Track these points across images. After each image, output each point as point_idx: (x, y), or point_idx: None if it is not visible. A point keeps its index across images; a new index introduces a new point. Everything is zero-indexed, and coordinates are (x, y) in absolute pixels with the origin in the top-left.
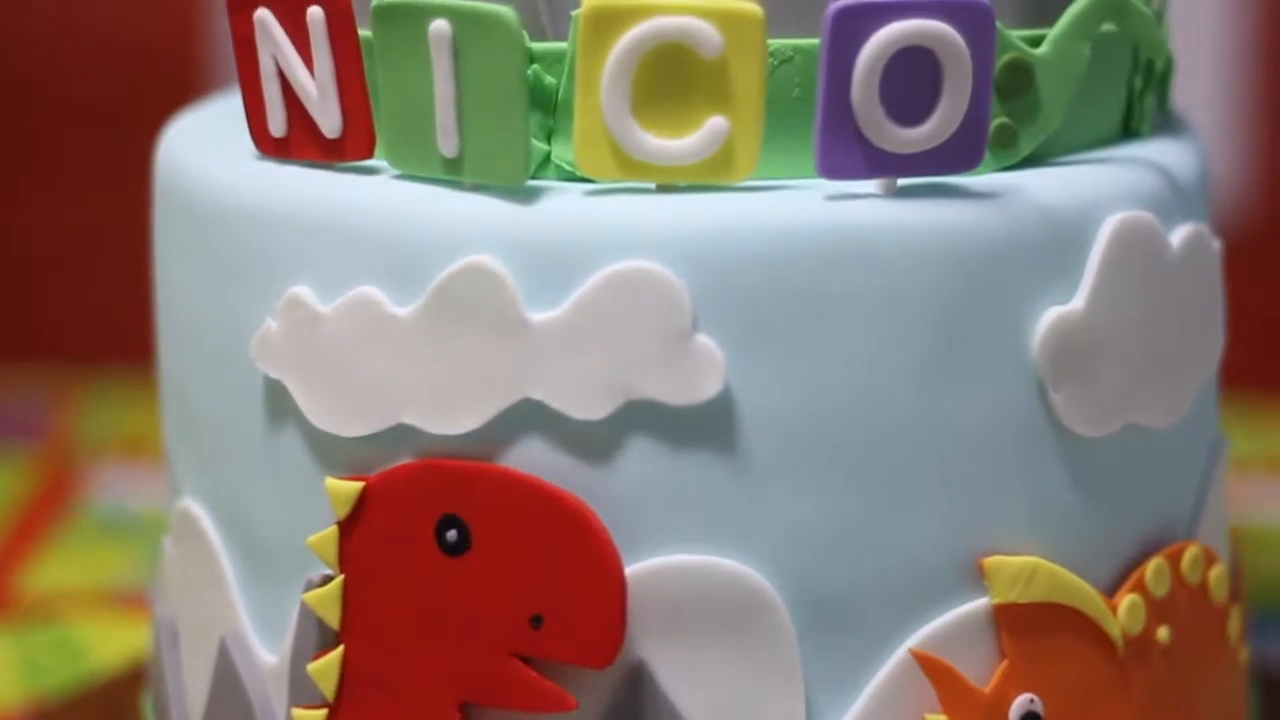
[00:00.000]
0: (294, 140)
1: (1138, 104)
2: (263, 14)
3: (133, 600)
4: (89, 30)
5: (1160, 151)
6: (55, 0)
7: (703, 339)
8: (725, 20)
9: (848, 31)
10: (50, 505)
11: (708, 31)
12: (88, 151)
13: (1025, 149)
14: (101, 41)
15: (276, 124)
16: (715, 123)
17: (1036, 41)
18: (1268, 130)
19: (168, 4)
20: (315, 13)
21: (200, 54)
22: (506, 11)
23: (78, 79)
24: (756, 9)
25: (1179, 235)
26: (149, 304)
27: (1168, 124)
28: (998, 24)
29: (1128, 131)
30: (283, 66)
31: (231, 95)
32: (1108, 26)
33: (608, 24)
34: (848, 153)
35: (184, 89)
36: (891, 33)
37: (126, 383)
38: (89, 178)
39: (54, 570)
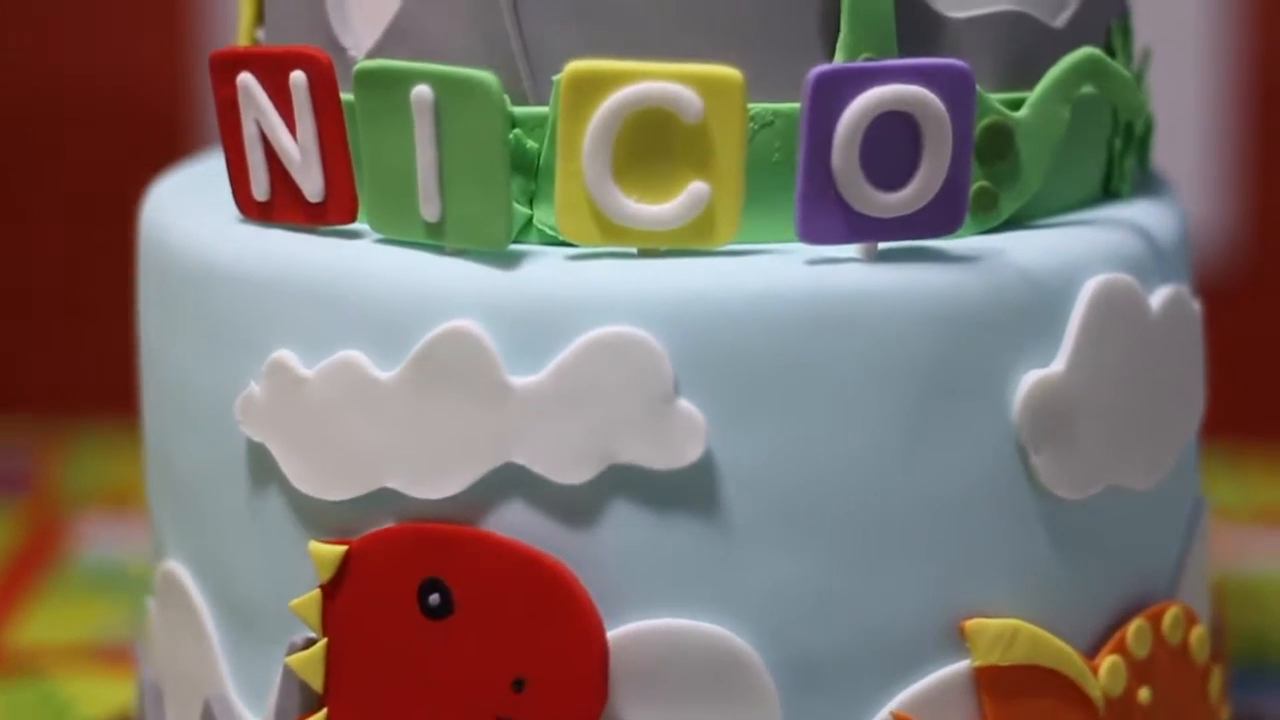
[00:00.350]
0: (277, 204)
1: (1118, 165)
2: (246, 78)
3: (118, 655)
4: (71, 82)
5: (1140, 213)
6: (37, 53)
7: (684, 404)
8: (706, 85)
9: (828, 97)
10: (35, 559)
11: (689, 97)
12: (70, 202)
13: (1006, 212)
14: (85, 93)
15: (259, 187)
16: (696, 188)
17: (1016, 104)
18: (1249, 176)
19: (154, 58)
20: (298, 77)
21: (185, 107)
22: (488, 77)
23: (60, 131)
24: (737, 74)
25: (1159, 297)
26: (132, 355)
27: (1148, 184)
28: (977, 88)
29: (1108, 192)
30: (265, 130)
31: (214, 155)
32: (1087, 89)
33: (589, 89)
34: (828, 218)
35: (169, 141)
36: (872, 98)
37: (111, 434)
38: (71, 228)
39: (38, 625)
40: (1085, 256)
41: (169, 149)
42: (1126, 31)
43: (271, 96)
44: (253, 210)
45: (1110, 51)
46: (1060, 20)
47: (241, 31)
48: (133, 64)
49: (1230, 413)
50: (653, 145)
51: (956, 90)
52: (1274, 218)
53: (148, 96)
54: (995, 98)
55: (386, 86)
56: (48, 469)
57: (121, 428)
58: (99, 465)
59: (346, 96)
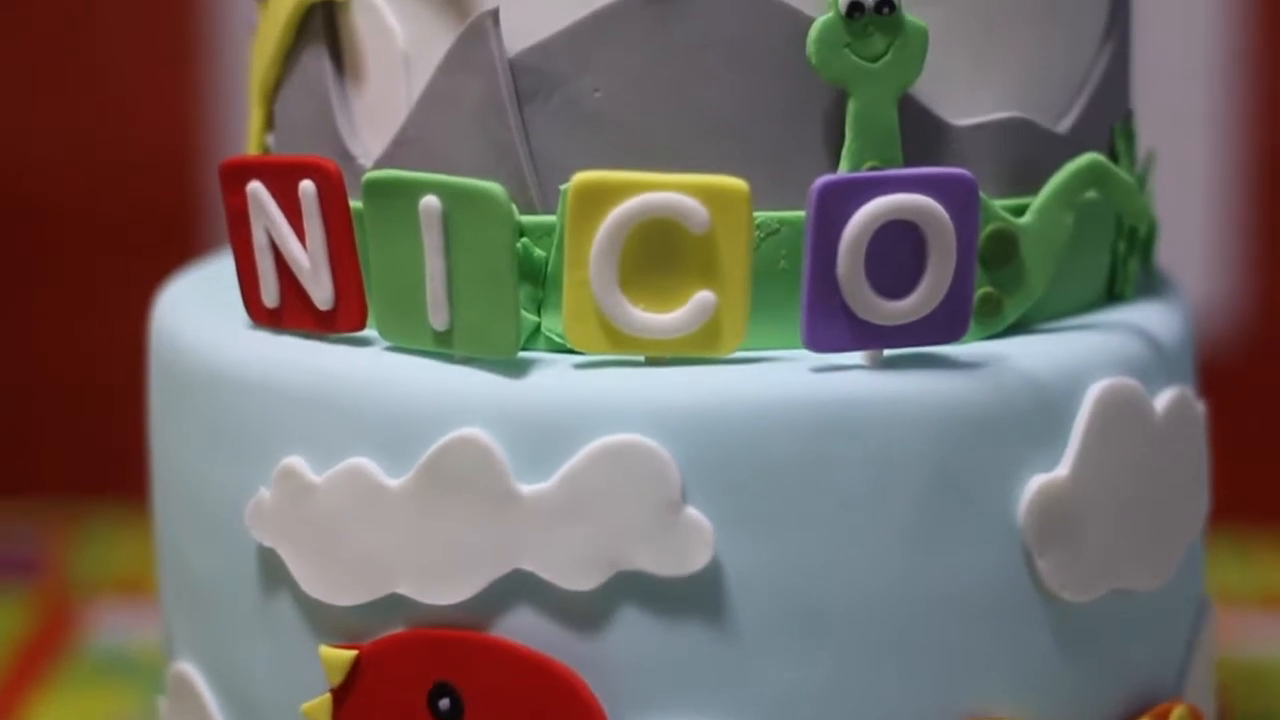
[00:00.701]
0: (287, 311)
1: (1121, 268)
2: (255, 187)
3: None
4: (85, 162)
5: (1144, 315)
6: (48, 139)
7: (691, 511)
8: (712, 196)
9: (833, 206)
10: (46, 645)
11: (694, 208)
12: (81, 284)
13: (1010, 317)
14: (98, 174)
15: (269, 295)
16: (702, 297)
17: (1020, 210)
18: (1255, 256)
19: (166, 144)
20: (307, 187)
21: (195, 195)
22: (496, 188)
23: (73, 212)
24: (743, 185)
25: (1163, 400)
26: (144, 439)
27: (1152, 285)
28: (981, 195)
29: (1112, 295)
30: (275, 238)
31: (225, 255)
32: (1091, 194)
33: (595, 199)
34: (834, 326)
35: (182, 225)
36: (876, 207)
37: (122, 518)
38: (83, 311)
39: (50, 713)
40: (1089, 361)
41: (180, 234)
42: (1130, 134)
43: (281, 205)
44: (263, 317)
45: (1114, 155)
46: (1063, 125)
47: (251, 137)
48: (144, 150)
49: (1235, 496)
50: (659, 254)
51: (961, 199)
52: None
53: (160, 182)
54: (999, 203)
55: (395, 196)
56: (58, 554)
57: (132, 512)
58: (110, 550)
59: (355, 204)
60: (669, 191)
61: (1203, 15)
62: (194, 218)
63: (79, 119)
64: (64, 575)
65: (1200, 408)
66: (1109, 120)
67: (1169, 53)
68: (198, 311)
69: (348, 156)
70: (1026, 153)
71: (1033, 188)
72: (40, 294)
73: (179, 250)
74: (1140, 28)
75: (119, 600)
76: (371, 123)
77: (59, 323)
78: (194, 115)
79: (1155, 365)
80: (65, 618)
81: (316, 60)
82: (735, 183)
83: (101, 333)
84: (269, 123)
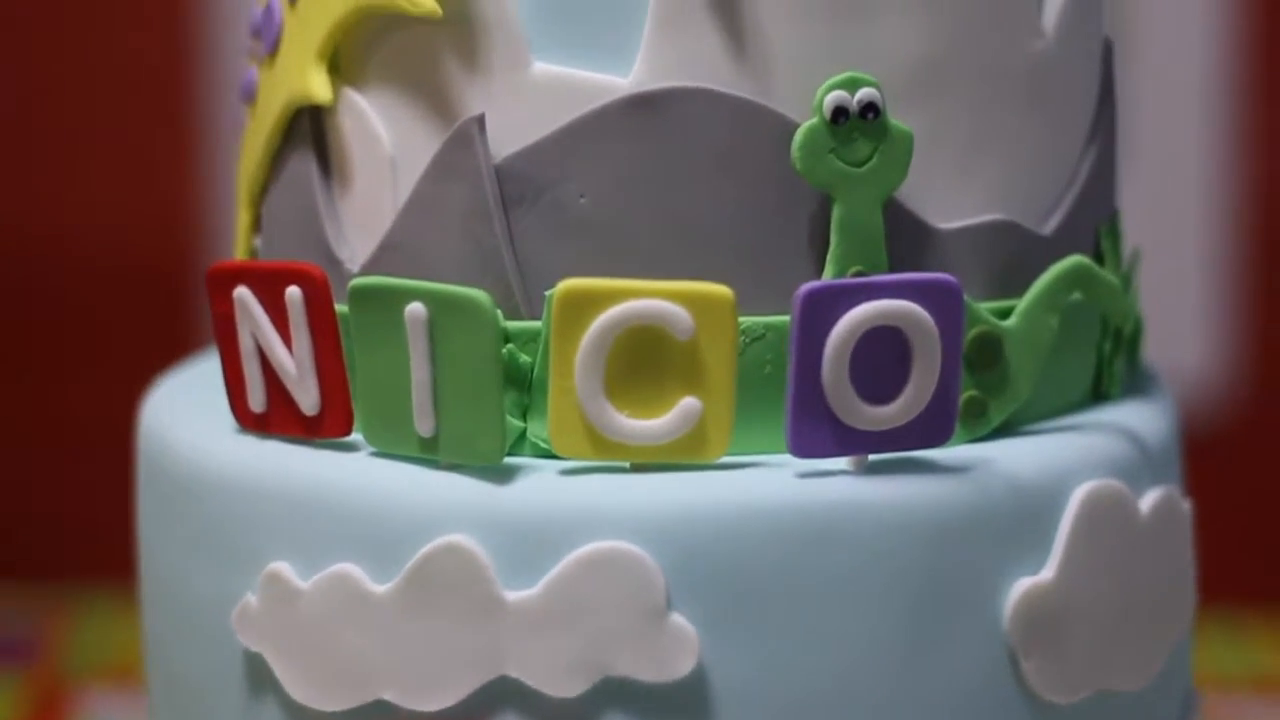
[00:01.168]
0: (273, 416)
1: (1107, 368)
2: (242, 292)
3: None
4: (80, 239)
5: (1130, 415)
6: (45, 204)
7: (676, 617)
8: (696, 303)
9: (818, 313)
10: None
11: (679, 315)
12: (78, 365)
13: (995, 420)
14: (94, 251)
15: (256, 399)
16: (687, 404)
17: (1005, 312)
18: (1244, 327)
19: (164, 211)
20: (293, 293)
21: (193, 265)
22: (481, 296)
23: (69, 292)
24: (727, 293)
25: (1149, 500)
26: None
27: (1138, 383)
28: (966, 298)
29: (1098, 394)
30: (262, 344)
31: (212, 355)
32: (1076, 296)
33: (580, 307)
34: (818, 432)
35: (177, 307)
36: (861, 313)
37: (116, 602)
38: (79, 392)
39: None
40: (1074, 463)
41: (176, 316)
42: (1115, 234)
43: (268, 310)
44: (249, 421)
45: (1099, 255)
46: (1048, 227)
47: (238, 238)
48: (136, 229)
49: (1228, 575)
50: (644, 361)
51: (945, 304)
52: (1275, 372)
53: (156, 264)
54: (984, 306)
55: (380, 303)
56: (52, 639)
57: (127, 597)
58: (104, 635)
59: (342, 308)
60: (654, 299)
61: (1200, 90)
62: (188, 301)
63: (75, 198)
64: (57, 661)
65: (1186, 507)
66: (1095, 221)
67: (1168, 124)
68: (185, 414)
69: (334, 260)
70: (1011, 255)
71: (1018, 290)
72: (36, 374)
73: (174, 334)
74: (1140, 97)
75: (112, 687)
76: (358, 227)
77: (54, 404)
78: (190, 192)
79: (1141, 466)
80: (58, 704)
81: (303, 163)
82: (720, 290)
83: (97, 414)
84: (256, 224)
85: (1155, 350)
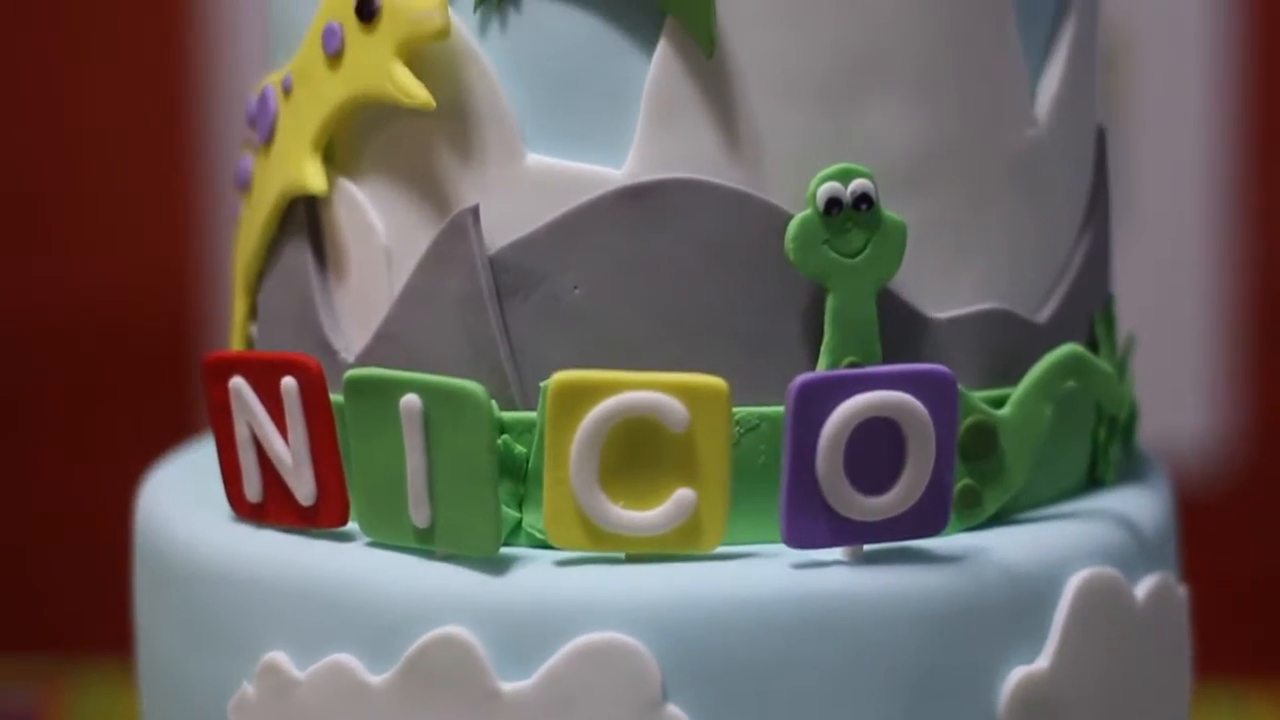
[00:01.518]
0: (269, 505)
1: (1102, 454)
2: (238, 382)
3: None
4: (75, 317)
5: (1125, 501)
6: (45, 282)
7: (672, 709)
8: (691, 395)
9: (812, 405)
10: None
11: (674, 407)
12: (80, 438)
13: (990, 509)
14: (96, 328)
15: (252, 489)
16: (682, 495)
17: (1000, 402)
18: (1244, 393)
19: (159, 286)
20: (289, 383)
21: (193, 345)
22: (476, 388)
23: (70, 365)
24: (722, 385)
25: (1144, 587)
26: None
27: (1133, 468)
28: (960, 387)
29: (1093, 480)
30: (258, 434)
31: (209, 441)
32: (1070, 384)
33: (575, 398)
34: (813, 523)
35: (171, 374)
36: (855, 405)
37: (117, 674)
38: (75, 463)
39: None
40: (1069, 551)
41: (172, 379)
42: (1110, 320)
43: (263, 401)
44: (246, 510)
45: (1094, 342)
46: (1043, 315)
47: (234, 327)
48: (138, 287)
49: (1227, 645)
50: (639, 453)
51: (940, 395)
52: (1275, 438)
53: (153, 325)
54: (978, 395)
55: (376, 395)
56: (52, 712)
57: (126, 670)
58: (104, 708)
59: (337, 397)
60: (649, 391)
61: (1201, 162)
62: (188, 381)
63: (74, 275)
64: None
65: (1183, 592)
66: (1089, 307)
67: (1167, 191)
68: (181, 501)
69: (329, 350)
70: (1006, 344)
71: (1012, 378)
72: (38, 448)
73: (174, 408)
74: (1141, 164)
75: None
76: (354, 317)
77: (57, 477)
78: (189, 272)
79: (1136, 553)
80: None
81: (298, 253)
82: (714, 382)
83: (101, 487)
84: (253, 312)
85: (1154, 415)
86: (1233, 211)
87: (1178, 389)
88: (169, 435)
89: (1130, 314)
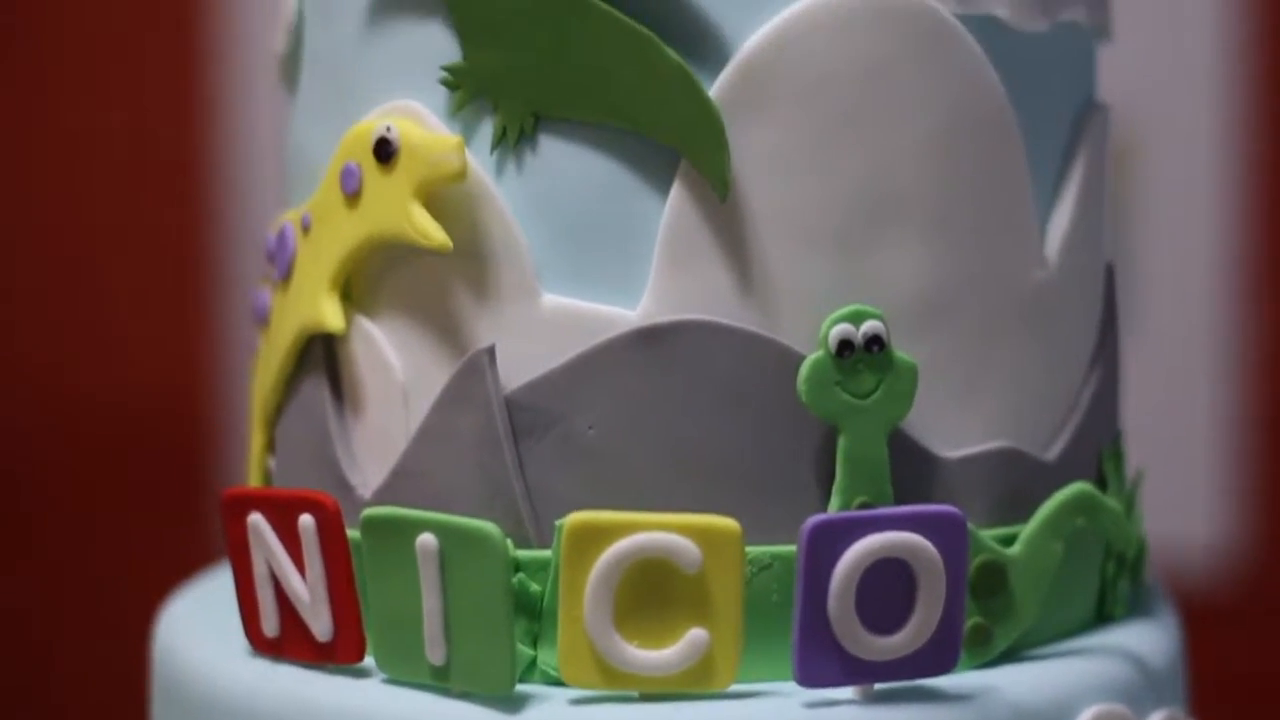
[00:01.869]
0: (286, 641)
1: (1111, 590)
2: (256, 519)
3: None
4: (88, 414)
5: (1133, 637)
6: (59, 396)
7: None
8: (704, 536)
9: (824, 546)
10: None
11: (687, 548)
12: (82, 545)
13: (1000, 646)
14: (101, 426)
15: (269, 624)
16: (695, 634)
17: (1009, 540)
18: (1252, 501)
19: (171, 397)
20: (306, 521)
21: (203, 439)
22: (491, 529)
23: (82, 486)
24: (734, 526)
25: None
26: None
27: (1142, 602)
28: (970, 526)
29: (1102, 614)
30: (275, 570)
31: (226, 571)
32: (1079, 523)
33: (590, 539)
34: (825, 662)
35: (187, 479)
36: (866, 546)
37: None
38: (86, 574)
39: None
40: (1078, 688)
41: (188, 484)
42: (1118, 455)
43: (281, 537)
44: (263, 645)
45: (1102, 479)
46: (1052, 454)
47: (252, 460)
48: (151, 387)
49: None
50: (653, 593)
51: (950, 535)
52: None
53: (167, 421)
54: (988, 534)
55: (392, 534)
56: None
57: None
58: None
59: (354, 533)
60: (662, 532)
61: (1209, 268)
62: (200, 488)
63: (87, 373)
64: None
65: None
66: (1098, 444)
67: (1177, 298)
68: (199, 633)
69: (346, 486)
70: (1015, 482)
71: (1022, 515)
72: (52, 565)
73: (191, 542)
74: (1150, 272)
75: None
76: (370, 453)
77: (70, 597)
78: (201, 364)
79: (1144, 688)
80: None
81: (316, 389)
82: (727, 523)
83: (113, 608)
84: (270, 445)
85: (1162, 523)
86: (1241, 316)
87: (1186, 497)
88: (186, 558)
89: (1139, 421)
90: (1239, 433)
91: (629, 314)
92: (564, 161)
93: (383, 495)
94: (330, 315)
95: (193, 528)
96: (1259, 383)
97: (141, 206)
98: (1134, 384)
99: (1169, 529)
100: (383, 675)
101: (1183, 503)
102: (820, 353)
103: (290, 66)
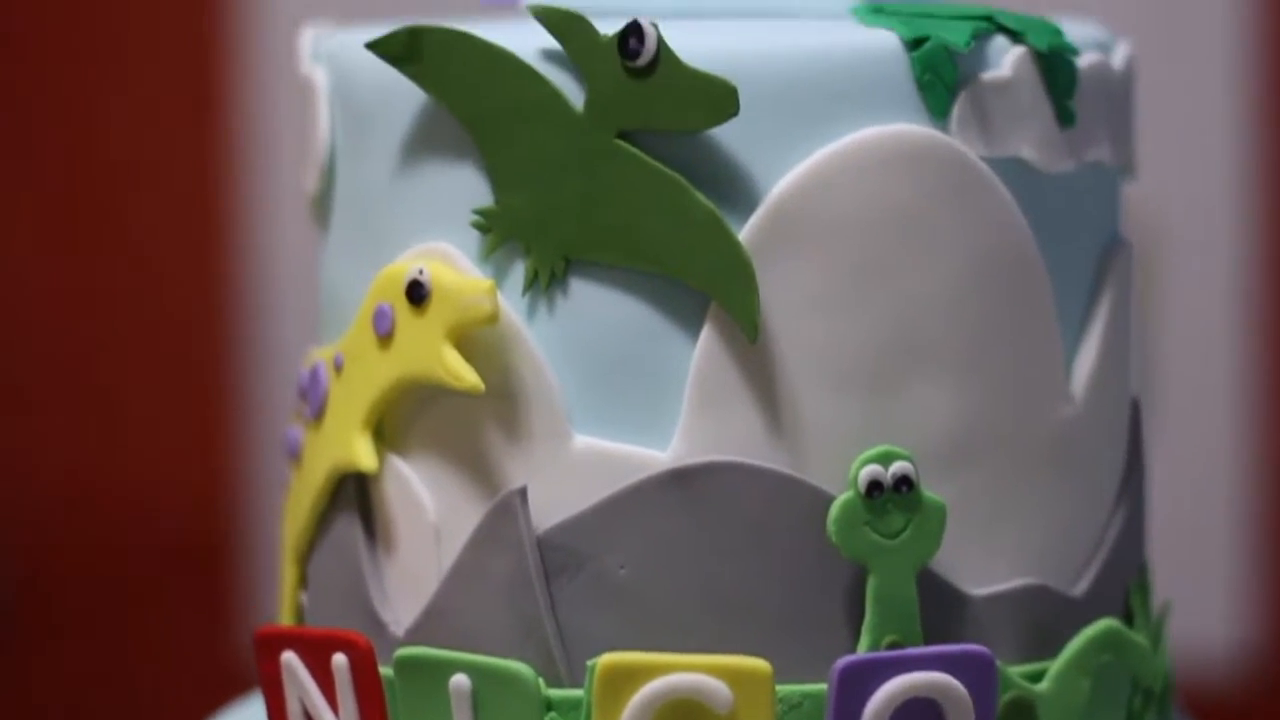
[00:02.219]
0: None
1: None
2: (289, 657)
3: None
4: (109, 508)
5: None
6: (77, 504)
7: None
8: (735, 677)
9: (854, 687)
10: None
11: (718, 689)
12: (110, 674)
13: None
14: (122, 517)
15: None
16: None
17: (1037, 676)
18: (1273, 600)
19: (199, 523)
20: (339, 660)
21: (231, 570)
22: (524, 669)
23: (101, 564)
24: (765, 666)
25: None
26: None
27: None
28: (999, 663)
29: None
30: (309, 708)
31: (258, 700)
32: (1106, 659)
33: (622, 680)
34: None
35: (205, 575)
36: (896, 686)
37: None
38: (104, 664)
39: None
40: None
41: (206, 581)
42: (1145, 589)
43: (314, 675)
44: None
45: (1129, 612)
46: (1079, 589)
47: (284, 596)
48: (172, 493)
49: None
50: None
51: (979, 675)
52: None
53: (189, 523)
54: (1016, 670)
55: (425, 673)
56: None
57: None
58: None
59: (387, 670)
60: (693, 673)
61: (1230, 360)
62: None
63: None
64: None
65: None
66: (1124, 578)
67: (1195, 392)
68: None
69: (378, 623)
70: (1043, 618)
71: (1050, 651)
72: (72, 687)
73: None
74: (1168, 370)
75: None
76: (403, 592)
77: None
78: (227, 491)
79: None
80: None
81: (348, 528)
82: (757, 664)
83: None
84: (302, 581)
85: (1181, 622)
86: (1264, 410)
87: (1205, 596)
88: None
89: (1159, 517)
90: (1257, 534)
91: (660, 455)
92: (595, 304)
93: (415, 634)
94: (363, 455)
95: (220, 657)
96: (1277, 483)
97: (166, 333)
98: (1152, 481)
99: (1185, 629)
100: None
101: (1199, 604)
102: (850, 493)
103: (322, 206)
